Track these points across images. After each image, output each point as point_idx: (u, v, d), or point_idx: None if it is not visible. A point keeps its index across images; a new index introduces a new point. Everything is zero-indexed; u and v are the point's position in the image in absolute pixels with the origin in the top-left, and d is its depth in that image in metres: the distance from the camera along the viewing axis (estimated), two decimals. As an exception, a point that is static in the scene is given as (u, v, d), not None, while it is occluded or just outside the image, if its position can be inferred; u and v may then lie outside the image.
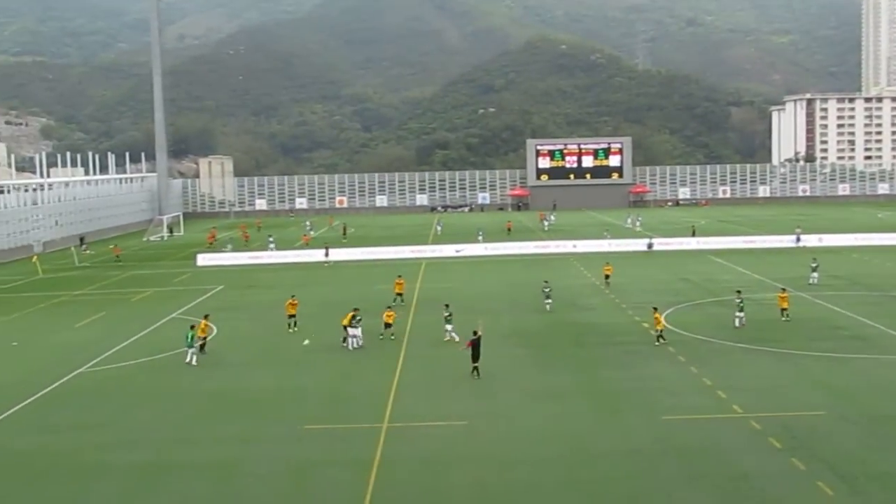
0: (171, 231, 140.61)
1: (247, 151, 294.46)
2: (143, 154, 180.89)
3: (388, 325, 53.61)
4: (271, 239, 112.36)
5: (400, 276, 69.48)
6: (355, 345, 51.03)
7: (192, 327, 50.28)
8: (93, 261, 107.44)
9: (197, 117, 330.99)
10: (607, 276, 74.99)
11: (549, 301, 61.84)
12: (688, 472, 30.26)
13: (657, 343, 48.73)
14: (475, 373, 43.69)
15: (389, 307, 57.03)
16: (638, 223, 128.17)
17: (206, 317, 53.57)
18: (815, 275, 72.20)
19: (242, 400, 41.19)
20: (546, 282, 64.21)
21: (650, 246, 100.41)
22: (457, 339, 50.43)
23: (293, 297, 59.75)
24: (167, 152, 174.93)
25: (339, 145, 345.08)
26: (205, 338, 50.48)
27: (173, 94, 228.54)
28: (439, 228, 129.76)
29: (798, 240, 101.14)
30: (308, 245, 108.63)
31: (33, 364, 50.91)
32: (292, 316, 57.73)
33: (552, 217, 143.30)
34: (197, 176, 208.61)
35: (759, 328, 54.26)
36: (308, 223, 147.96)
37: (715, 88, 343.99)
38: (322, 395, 41.71)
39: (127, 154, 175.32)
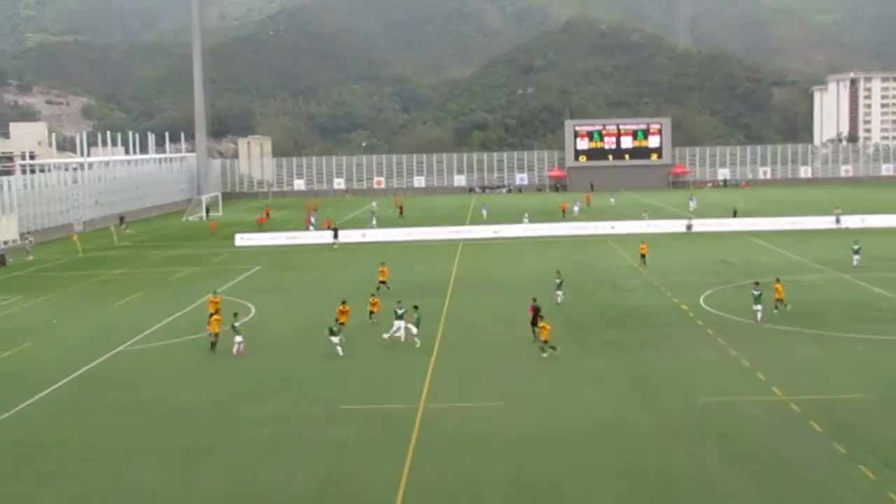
0: (207, 211, 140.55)
1: (285, 132, 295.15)
2: (182, 134, 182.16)
3: (371, 313, 52.67)
4: (374, 212, 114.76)
5: (384, 263, 67.25)
6: (388, 337, 48.10)
7: (235, 315, 48.97)
8: (132, 240, 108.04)
9: (236, 98, 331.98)
10: (643, 256, 74.74)
11: (560, 293, 57.90)
12: (726, 455, 29.91)
13: (544, 355, 43.42)
14: (536, 339, 44.85)
15: (373, 295, 55.70)
16: (693, 204, 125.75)
17: (212, 314, 49.74)
18: (858, 257, 71.19)
19: (281, 380, 41.13)
20: (558, 272, 60.76)
21: (689, 227, 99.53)
22: (404, 339, 46.98)
23: (214, 293, 55.16)
24: (207, 133, 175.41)
25: (378, 126, 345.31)
26: (216, 333, 47.13)
27: (213, 75, 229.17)
28: (485, 212, 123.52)
29: (838, 221, 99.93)
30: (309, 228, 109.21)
31: (73, 342, 51.17)
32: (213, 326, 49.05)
33: (612, 199, 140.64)
34: (236, 156, 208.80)
35: (800, 310, 53.36)
36: (374, 203, 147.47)
37: (757, 69, 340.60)
38: (359, 376, 41.48)
39: (167, 134, 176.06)
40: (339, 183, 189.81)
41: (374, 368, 42.84)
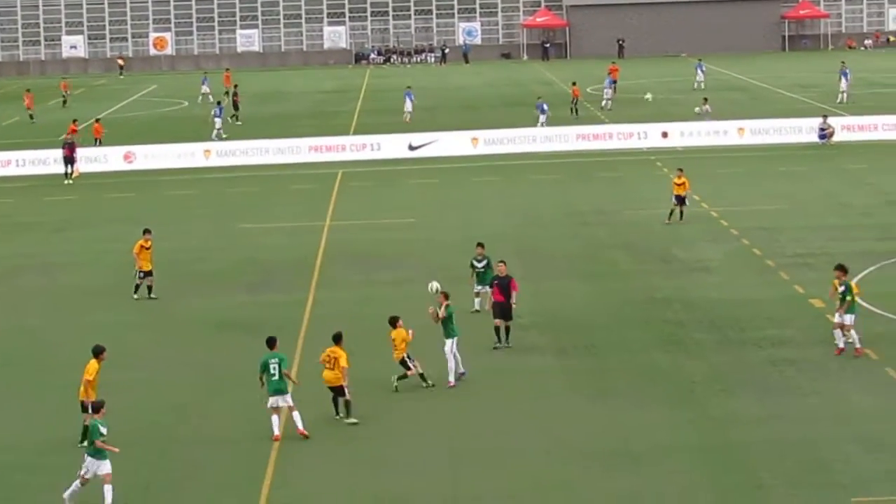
0: None
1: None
2: None
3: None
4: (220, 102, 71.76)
5: (148, 231, 35.46)
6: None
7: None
8: None
9: None
10: (680, 199, 44.98)
11: (481, 294, 32.56)
12: None
13: (424, 385, 26.82)
14: (503, 338, 28.68)
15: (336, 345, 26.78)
16: (846, 84, 77.66)
17: None
18: None
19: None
20: (481, 245, 33.60)
21: (826, 134, 63.47)
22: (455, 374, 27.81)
23: None
24: None
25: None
26: None
27: None
28: (410, 106, 77.38)
29: None
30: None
31: None
32: None
33: (706, 108, 74.15)
34: None
35: None
36: (206, 85, 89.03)
37: None
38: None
39: None
40: (76, 44, 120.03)
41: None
